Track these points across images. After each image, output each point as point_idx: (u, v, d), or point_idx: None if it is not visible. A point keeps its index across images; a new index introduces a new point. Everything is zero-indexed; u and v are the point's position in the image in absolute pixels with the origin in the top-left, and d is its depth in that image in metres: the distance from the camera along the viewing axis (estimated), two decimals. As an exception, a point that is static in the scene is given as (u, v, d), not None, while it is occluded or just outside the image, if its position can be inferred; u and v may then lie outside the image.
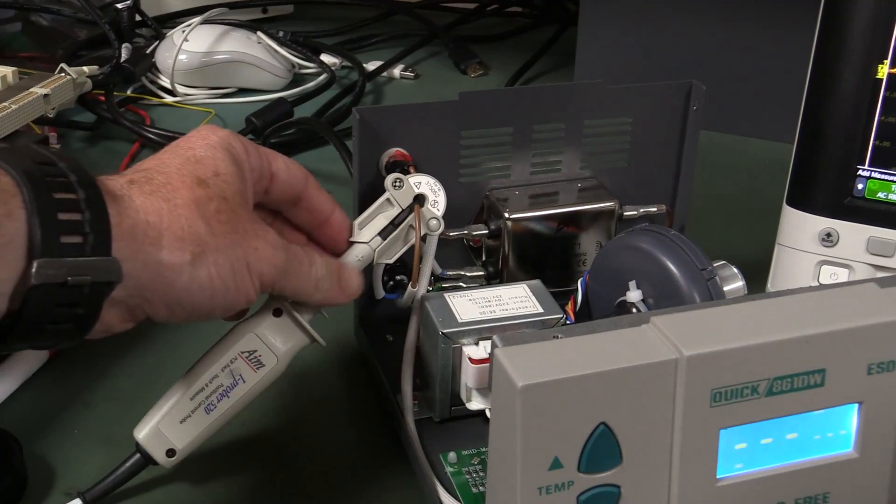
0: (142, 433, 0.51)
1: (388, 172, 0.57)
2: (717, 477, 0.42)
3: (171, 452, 0.50)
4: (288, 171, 0.51)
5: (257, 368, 0.51)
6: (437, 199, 0.58)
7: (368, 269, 0.59)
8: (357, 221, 0.55)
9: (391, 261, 0.55)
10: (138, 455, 0.51)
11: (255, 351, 0.51)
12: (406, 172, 0.58)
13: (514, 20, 1.30)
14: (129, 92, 1.03)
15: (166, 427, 0.50)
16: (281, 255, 0.48)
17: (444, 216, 0.58)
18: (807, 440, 0.43)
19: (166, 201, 0.44)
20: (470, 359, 0.54)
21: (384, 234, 0.54)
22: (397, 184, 0.55)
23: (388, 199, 0.55)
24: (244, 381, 0.51)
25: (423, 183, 0.57)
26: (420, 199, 0.56)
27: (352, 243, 0.54)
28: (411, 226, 0.55)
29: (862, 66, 0.59)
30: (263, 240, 0.47)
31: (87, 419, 0.59)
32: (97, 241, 0.40)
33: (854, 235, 0.61)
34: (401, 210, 0.55)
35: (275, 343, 0.51)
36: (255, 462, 0.57)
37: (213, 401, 0.51)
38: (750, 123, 0.97)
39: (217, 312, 0.46)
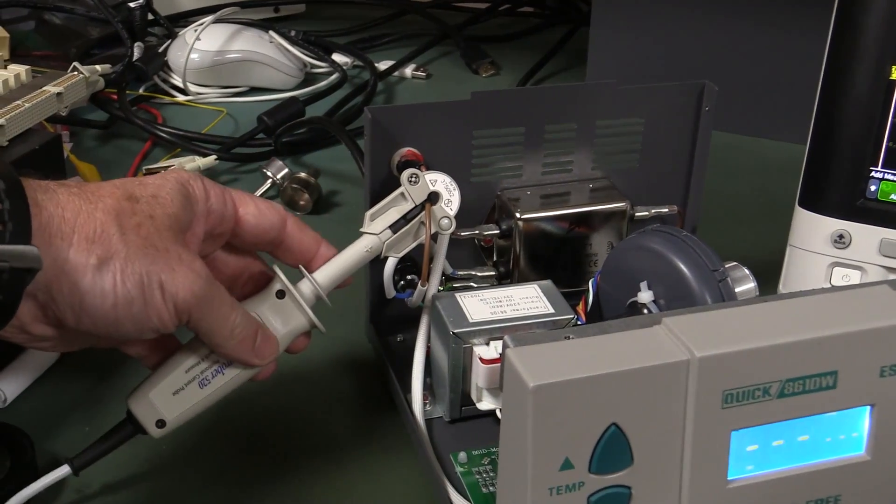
0: (133, 402, 0.50)
1: (400, 172, 0.57)
2: (728, 479, 0.42)
3: (161, 423, 0.50)
4: (260, 215, 0.51)
5: None
6: (451, 199, 0.58)
7: (380, 269, 0.59)
8: (369, 213, 0.55)
9: (399, 255, 0.55)
10: (128, 424, 0.51)
11: None
12: (419, 172, 0.58)
13: (526, 20, 1.30)
14: (141, 91, 1.03)
15: (158, 398, 0.50)
16: (201, 283, 0.46)
17: (456, 216, 0.58)
18: (818, 442, 0.43)
19: (87, 202, 0.44)
20: (481, 359, 0.54)
21: (395, 227, 0.54)
22: (413, 179, 0.55)
23: (402, 194, 0.55)
24: None
25: (439, 181, 0.57)
26: (433, 197, 0.56)
27: (362, 233, 0.54)
28: (422, 222, 0.55)
29: (875, 67, 0.59)
30: (186, 265, 0.45)
31: (97, 416, 0.60)
32: (16, 230, 0.40)
33: (866, 237, 0.61)
34: (414, 206, 0.55)
35: (275, 324, 0.51)
36: (263, 459, 0.57)
37: (208, 376, 0.50)
38: (762, 124, 0.97)
39: (125, 327, 0.45)
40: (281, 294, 0.52)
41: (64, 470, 0.51)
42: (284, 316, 0.52)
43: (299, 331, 0.52)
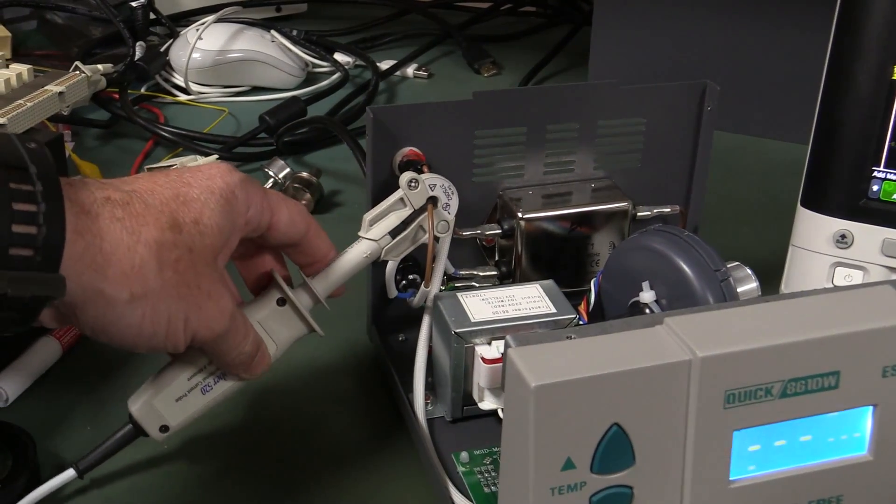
0: (136, 406, 0.50)
1: (402, 171, 0.57)
2: (731, 479, 0.42)
3: (164, 428, 0.51)
4: (290, 222, 0.50)
5: None
6: (449, 203, 0.58)
7: (381, 270, 0.59)
8: (368, 217, 0.55)
9: (397, 259, 0.55)
10: (130, 426, 0.51)
11: None
12: (419, 172, 0.58)
13: (528, 20, 1.30)
14: (143, 90, 1.03)
15: (161, 404, 0.50)
16: (224, 323, 0.46)
17: (458, 216, 0.58)
18: (821, 442, 0.43)
19: (130, 234, 0.42)
20: (482, 358, 0.54)
21: (394, 233, 0.54)
22: (412, 184, 0.55)
23: (400, 199, 0.55)
24: None
25: (437, 185, 0.57)
26: (432, 202, 0.56)
27: (360, 238, 0.54)
28: (421, 226, 0.55)
29: (877, 67, 0.59)
30: (214, 302, 0.46)
31: (99, 415, 0.60)
32: (46, 258, 0.39)
33: (869, 237, 0.61)
34: (413, 210, 0.55)
35: (275, 331, 0.52)
36: (264, 458, 0.57)
37: (210, 382, 0.51)
38: (764, 124, 0.97)
39: (138, 349, 0.45)
40: (282, 302, 0.52)
41: (69, 473, 0.52)
42: (284, 323, 0.52)
43: (299, 336, 0.53)
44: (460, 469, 0.54)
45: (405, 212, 0.55)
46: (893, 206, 0.61)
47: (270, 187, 0.84)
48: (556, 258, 0.64)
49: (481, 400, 0.56)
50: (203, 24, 1.05)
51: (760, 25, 0.94)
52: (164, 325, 0.44)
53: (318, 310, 0.53)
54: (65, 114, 0.81)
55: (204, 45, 1.03)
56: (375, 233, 0.54)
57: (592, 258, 0.64)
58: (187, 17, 1.17)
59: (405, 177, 0.55)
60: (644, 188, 0.66)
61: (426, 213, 0.55)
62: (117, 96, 0.95)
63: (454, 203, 0.59)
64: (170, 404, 0.50)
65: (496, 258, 0.64)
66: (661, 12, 0.98)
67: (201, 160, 0.85)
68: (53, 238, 0.39)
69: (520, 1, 1.30)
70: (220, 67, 1.04)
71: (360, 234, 0.54)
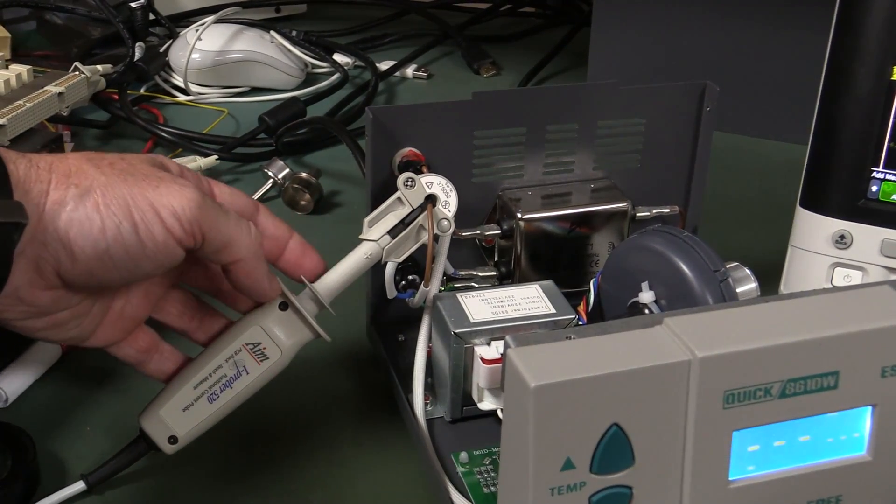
0: (145, 420, 0.51)
1: (401, 172, 0.57)
2: (730, 479, 0.42)
3: (173, 439, 0.51)
4: (232, 194, 0.50)
5: (261, 361, 0.51)
6: (448, 200, 0.58)
7: (380, 270, 0.59)
8: (367, 219, 0.55)
9: (399, 260, 0.55)
10: (141, 441, 0.52)
11: (260, 343, 0.51)
12: (419, 172, 0.58)
13: (528, 20, 1.30)
14: (142, 90, 1.03)
15: (169, 415, 0.51)
16: (191, 191, 0.45)
17: (457, 216, 0.58)
18: (820, 443, 0.43)
19: (56, 157, 0.44)
20: (482, 359, 0.54)
21: (393, 232, 0.54)
22: (409, 183, 0.55)
23: (399, 198, 0.55)
24: (247, 373, 0.51)
25: (434, 183, 0.57)
26: (432, 200, 0.56)
27: (361, 240, 0.54)
28: (422, 225, 0.55)
29: (877, 67, 0.59)
30: (169, 181, 0.45)
31: (99, 416, 0.60)
32: None
33: (868, 237, 0.61)
34: (411, 209, 0.55)
35: (279, 336, 0.52)
36: (264, 458, 0.57)
37: (217, 391, 0.51)
38: (764, 124, 0.97)
39: (121, 259, 0.44)
40: (284, 306, 0.52)
41: (79, 486, 0.52)
42: (289, 328, 0.52)
43: (304, 342, 0.53)
44: (460, 469, 0.54)
45: (403, 211, 0.55)
46: (892, 207, 0.61)
47: (270, 188, 0.84)
48: (556, 258, 0.64)
49: (481, 400, 0.56)
50: (202, 24, 1.05)
51: (760, 26, 0.94)
52: (124, 211, 0.43)
53: (321, 317, 0.53)
54: (64, 114, 0.81)
55: (203, 45, 1.03)
56: (374, 233, 0.54)
57: (592, 258, 0.64)
58: (187, 18, 1.17)
59: (402, 176, 0.55)
60: (643, 188, 0.66)
61: (426, 212, 0.55)
62: (117, 97, 0.95)
63: (453, 201, 0.59)
64: (177, 414, 0.51)
65: (495, 258, 0.64)
66: (661, 13, 0.98)
67: (201, 161, 0.85)
68: None
69: (519, 1, 1.30)
70: (220, 68, 1.04)
71: (361, 236, 0.55)
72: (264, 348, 0.51)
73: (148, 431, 0.51)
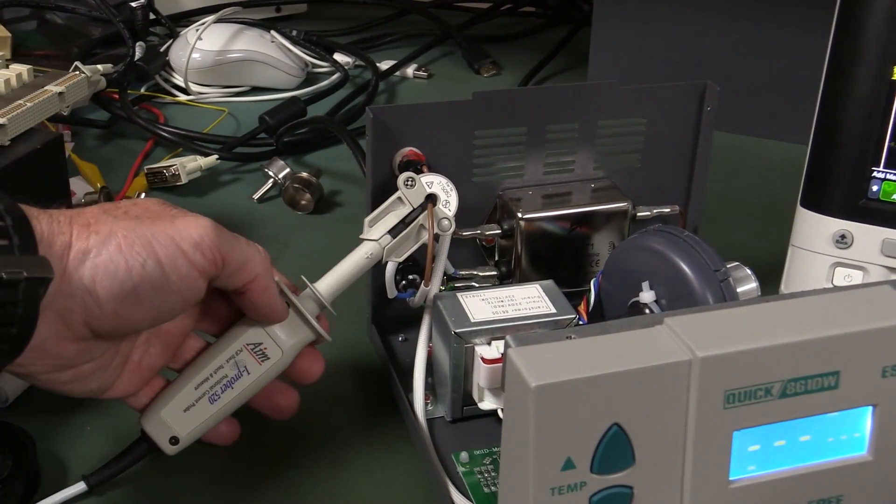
0: (147, 421, 0.51)
1: (402, 172, 0.57)
2: (730, 479, 0.42)
3: (174, 440, 0.51)
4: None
5: (262, 361, 0.52)
6: (448, 200, 0.58)
7: (381, 270, 0.59)
8: (368, 219, 0.55)
9: (400, 259, 0.55)
10: (143, 442, 0.52)
11: (261, 343, 0.51)
12: (419, 172, 0.58)
13: (528, 20, 1.29)
14: (142, 90, 1.03)
15: (170, 415, 0.51)
16: (204, 220, 0.47)
17: (457, 216, 0.58)
18: (820, 442, 0.43)
19: (72, 210, 0.45)
20: (482, 359, 0.54)
21: (394, 232, 0.55)
22: (409, 183, 0.55)
23: (399, 198, 0.55)
24: (248, 373, 0.51)
25: (435, 183, 0.57)
26: (432, 199, 0.56)
27: (361, 240, 0.54)
28: (422, 225, 0.55)
29: (877, 67, 0.59)
30: (183, 216, 0.47)
31: (99, 416, 0.60)
32: (23, 243, 0.41)
33: (868, 237, 0.61)
34: (412, 209, 0.55)
35: (280, 336, 0.52)
36: (264, 458, 0.57)
37: (218, 391, 0.51)
38: (764, 124, 0.97)
39: (149, 297, 0.45)
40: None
41: (80, 487, 0.52)
42: (289, 328, 0.52)
43: (305, 342, 0.53)
44: (460, 469, 0.54)
45: (404, 210, 0.55)
46: (893, 207, 0.61)
47: (270, 187, 0.84)
48: (556, 258, 0.64)
49: (481, 400, 0.56)
50: (203, 24, 1.05)
51: (760, 25, 0.94)
52: (146, 248, 0.44)
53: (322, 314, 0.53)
54: (65, 114, 0.81)
55: (204, 45, 1.03)
56: (375, 232, 0.54)
57: (592, 258, 0.64)
58: (187, 18, 1.17)
59: (402, 176, 0.55)
60: (644, 188, 0.66)
61: (426, 212, 0.55)
62: (117, 96, 0.95)
63: (454, 200, 0.59)
64: (178, 415, 0.51)
65: (496, 258, 0.64)
66: (661, 13, 0.98)
67: (201, 160, 0.85)
68: (20, 225, 0.42)
69: (520, 1, 1.30)
70: (220, 68, 1.04)
71: (361, 236, 0.55)
72: (265, 348, 0.52)
73: (149, 432, 0.51)
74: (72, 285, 0.43)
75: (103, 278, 0.44)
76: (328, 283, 0.53)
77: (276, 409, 0.54)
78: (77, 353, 0.46)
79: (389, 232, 0.54)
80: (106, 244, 0.44)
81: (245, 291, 0.49)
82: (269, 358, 0.52)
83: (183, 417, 0.51)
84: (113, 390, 0.50)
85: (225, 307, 0.52)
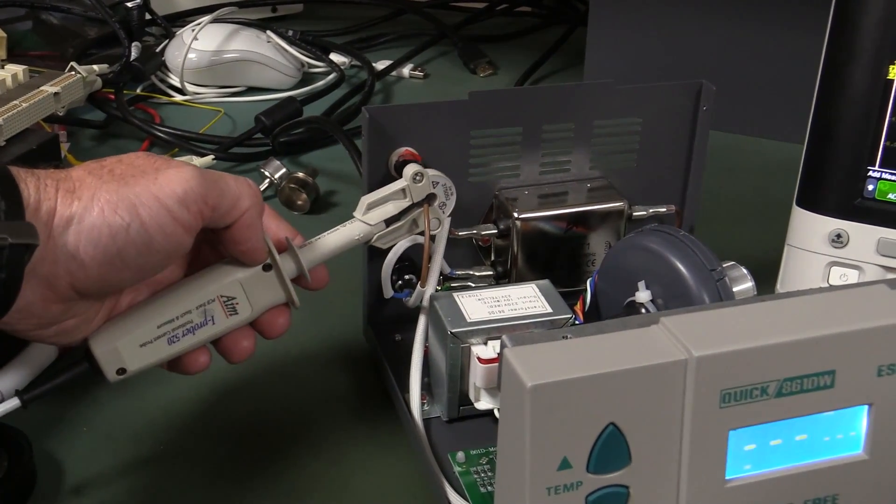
0: (97, 345, 0.49)
1: (398, 171, 0.57)
2: (726, 478, 0.42)
3: (121, 371, 0.49)
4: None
5: (230, 315, 0.51)
6: (446, 203, 0.58)
7: (377, 268, 0.59)
8: (366, 200, 0.55)
9: (384, 247, 0.55)
10: (84, 363, 0.49)
11: (234, 298, 0.51)
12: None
13: (524, 20, 1.30)
14: (138, 90, 1.03)
15: (125, 347, 0.49)
16: (187, 169, 0.46)
17: (454, 215, 0.58)
18: (816, 442, 0.43)
19: (60, 173, 0.45)
20: (479, 358, 0.54)
21: (389, 222, 0.55)
22: (418, 178, 0.55)
23: (402, 189, 0.55)
24: (213, 324, 0.50)
25: (439, 184, 0.57)
26: (430, 199, 0.56)
27: (354, 218, 0.54)
28: (415, 221, 0.55)
29: (873, 66, 0.59)
30: (166, 168, 0.46)
31: (95, 416, 0.60)
32: (10, 208, 0.41)
33: (864, 237, 0.61)
34: (412, 203, 0.55)
35: (255, 294, 0.51)
36: (261, 458, 0.57)
37: (179, 334, 0.50)
38: (760, 124, 0.97)
39: (133, 257, 0.45)
40: (268, 267, 0.51)
41: (13, 402, 0.48)
42: (265, 288, 0.51)
43: (275, 303, 0.52)
44: (457, 469, 0.54)
45: (404, 202, 0.55)
46: (889, 206, 0.61)
47: (266, 187, 0.84)
48: (552, 258, 0.64)
49: (477, 400, 0.56)
50: (199, 24, 1.05)
51: (755, 25, 0.94)
52: (129, 211, 0.44)
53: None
54: (60, 114, 0.81)
55: (200, 45, 1.03)
56: (372, 217, 0.54)
57: (588, 258, 0.64)
58: (183, 18, 1.17)
59: (411, 168, 0.55)
60: (640, 188, 0.66)
61: (421, 209, 0.55)
62: (113, 97, 0.95)
63: (451, 203, 0.59)
64: (133, 349, 0.49)
65: (492, 258, 0.64)
66: (657, 12, 0.98)
67: (197, 161, 0.85)
68: (8, 190, 0.42)
69: (515, 1, 1.30)
70: (216, 68, 1.04)
71: (356, 214, 0.54)
72: (237, 303, 0.51)
73: (98, 357, 0.49)
74: (56, 251, 0.43)
75: (87, 245, 0.44)
76: (311, 250, 0.53)
77: (232, 352, 0.52)
78: (61, 311, 0.46)
79: (385, 221, 0.54)
80: (88, 210, 0.44)
81: (231, 226, 0.49)
82: (237, 313, 0.51)
83: (137, 352, 0.49)
84: None
85: (214, 257, 0.52)
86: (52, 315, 0.45)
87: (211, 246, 0.52)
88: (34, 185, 0.44)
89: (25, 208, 0.42)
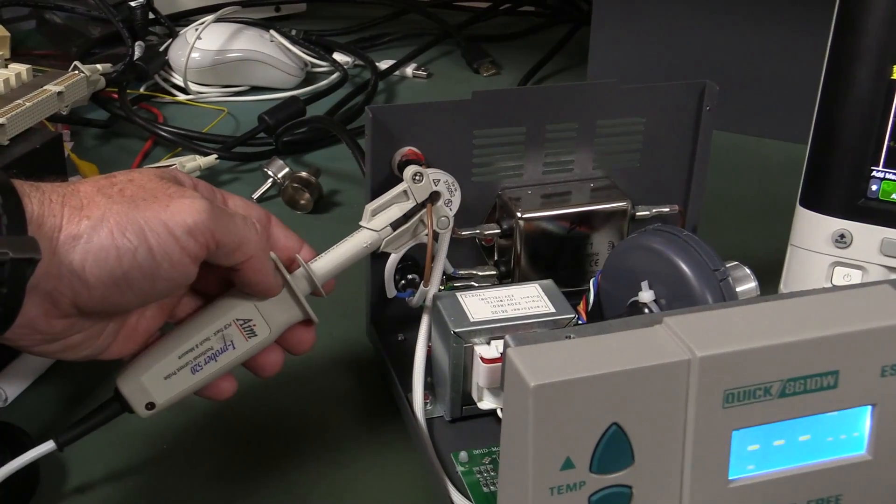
0: (124, 383, 0.50)
1: (401, 171, 0.57)
2: (730, 478, 0.42)
3: (150, 406, 0.50)
4: (246, 207, 0.51)
5: (249, 337, 0.51)
6: (451, 199, 0.58)
7: (381, 268, 0.59)
8: (370, 207, 0.55)
9: (395, 252, 0.55)
10: (115, 402, 0.50)
11: (251, 320, 0.51)
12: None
13: (527, 19, 1.30)
14: (142, 90, 1.03)
15: (150, 381, 0.49)
16: (200, 202, 0.46)
17: (457, 215, 0.58)
18: (820, 442, 0.43)
19: (68, 188, 0.45)
20: (482, 358, 0.54)
21: (395, 225, 0.55)
22: (417, 178, 0.55)
23: (404, 191, 0.55)
24: (234, 348, 0.51)
25: (441, 180, 0.57)
26: (434, 197, 0.56)
27: (360, 227, 0.54)
28: (422, 221, 0.55)
29: (876, 66, 0.59)
30: (179, 196, 0.46)
31: (99, 416, 0.60)
32: (12, 222, 0.41)
33: (868, 237, 0.61)
34: (415, 204, 0.55)
35: (271, 315, 0.51)
36: (264, 458, 0.57)
37: (201, 362, 0.50)
38: (763, 124, 0.97)
39: (138, 282, 0.45)
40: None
41: (49, 445, 0.50)
42: (281, 307, 0.51)
43: (293, 321, 0.52)
44: (459, 469, 0.54)
45: (408, 204, 0.55)
46: (892, 206, 0.61)
47: (269, 187, 0.84)
48: (555, 258, 0.64)
49: (480, 400, 0.56)
50: (202, 23, 1.05)
51: (759, 25, 0.94)
52: (138, 235, 0.44)
53: (319, 302, 0.52)
54: (64, 113, 0.81)
55: (203, 44, 1.03)
56: (377, 223, 0.54)
57: (591, 258, 0.64)
58: (186, 17, 1.17)
59: (410, 169, 0.55)
60: (643, 188, 0.66)
61: (426, 210, 0.55)
62: (116, 96, 0.95)
63: (456, 200, 0.59)
64: (158, 381, 0.50)
65: (495, 258, 0.64)
66: (660, 12, 0.98)
67: (200, 160, 0.85)
68: (10, 204, 0.42)
69: (519, 0, 1.30)
70: (219, 67, 1.04)
71: (362, 223, 0.54)
72: (254, 325, 0.51)
73: (126, 395, 0.49)
74: (61, 268, 0.43)
75: (93, 265, 0.43)
76: (322, 266, 0.53)
77: (262, 367, 0.52)
78: (65, 327, 0.45)
79: (391, 224, 0.54)
80: (97, 230, 0.43)
81: (238, 269, 0.49)
82: (256, 335, 0.51)
83: (162, 384, 0.50)
84: (108, 353, 0.49)
85: (220, 273, 0.51)
86: (55, 331, 0.45)
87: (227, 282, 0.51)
88: (38, 200, 0.43)
89: (28, 223, 0.42)
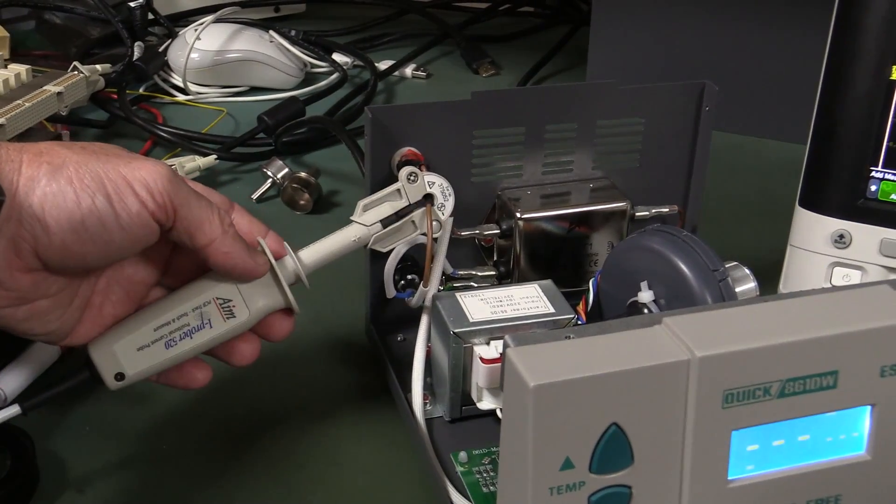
0: (97, 350, 0.49)
1: (400, 171, 0.57)
2: (729, 478, 0.42)
3: (120, 376, 0.49)
4: (203, 190, 0.51)
5: (227, 318, 0.50)
6: (444, 203, 0.58)
7: (380, 268, 0.59)
8: (362, 203, 0.55)
9: (384, 250, 0.55)
10: (85, 370, 0.49)
11: (231, 301, 0.50)
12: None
13: (527, 20, 1.30)
14: (141, 90, 1.03)
15: (122, 350, 0.49)
16: (162, 166, 0.46)
17: (456, 215, 0.58)
18: (819, 442, 0.43)
19: (22, 143, 0.45)
20: (481, 358, 0.54)
21: (385, 222, 0.55)
22: (412, 178, 0.55)
23: (398, 190, 0.55)
24: (211, 327, 0.50)
25: (436, 184, 0.57)
26: (430, 199, 0.56)
27: (351, 221, 0.54)
28: (413, 222, 0.55)
29: (876, 66, 0.59)
30: (139, 159, 0.46)
31: (98, 416, 0.60)
32: None
33: (867, 237, 0.61)
34: (408, 203, 0.55)
35: (252, 298, 0.51)
36: (263, 458, 0.57)
37: (176, 338, 0.50)
38: (762, 124, 0.97)
39: (97, 233, 0.45)
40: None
41: (14, 409, 0.49)
42: (262, 291, 0.51)
43: (273, 308, 0.51)
44: (459, 469, 0.54)
45: (400, 203, 0.55)
46: (891, 206, 0.61)
47: (269, 187, 0.84)
48: (555, 258, 0.64)
49: (480, 400, 0.56)
50: (201, 24, 1.05)
51: (758, 25, 0.94)
52: (98, 185, 0.44)
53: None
54: (63, 114, 0.81)
55: (202, 45, 1.03)
56: (367, 218, 0.54)
57: (591, 258, 0.64)
58: (186, 18, 1.17)
59: (405, 170, 0.55)
60: (642, 188, 0.66)
61: (420, 210, 0.55)
62: (116, 96, 0.95)
63: (449, 205, 0.59)
64: (131, 352, 0.49)
65: (495, 258, 0.64)
66: (660, 12, 0.98)
67: (200, 160, 0.85)
68: None
69: (518, 1, 1.30)
70: (219, 68, 1.04)
71: (353, 217, 0.54)
72: (234, 306, 0.50)
73: (96, 362, 0.49)
74: (21, 212, 0.43)
75: (52, 207, 0.44)
76: (309, 255, 0.53)
77: (236, 356, 0.52)
78: (31, 284, 0.45)
79: (381, 221, 0.54)
80: (56, 174, 0.44)
81: (206, 255, 0.48)
82: (234, 317, 0.50)
83: (134, 356, 0.49)
84: (73, 335, 0.49)
85: (190, 262, 0.51)
86: (20, 287, 0.45)
87: (186, 252, 0.50)
88: None
89: None
